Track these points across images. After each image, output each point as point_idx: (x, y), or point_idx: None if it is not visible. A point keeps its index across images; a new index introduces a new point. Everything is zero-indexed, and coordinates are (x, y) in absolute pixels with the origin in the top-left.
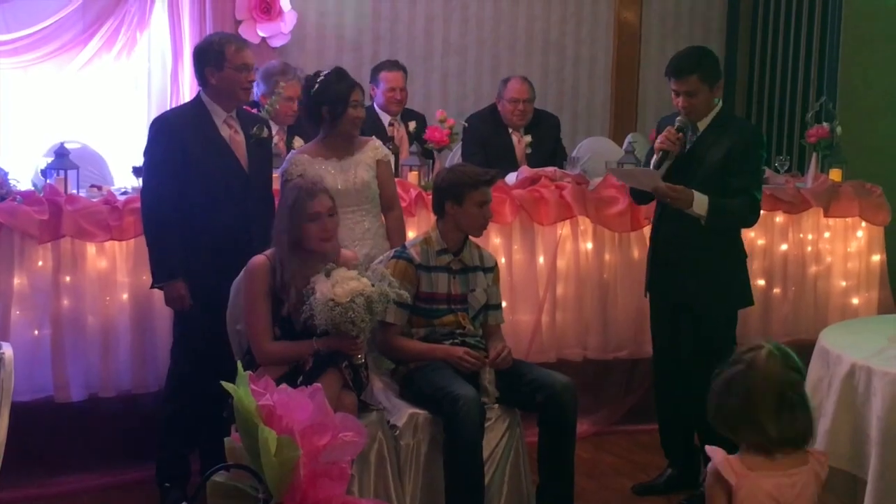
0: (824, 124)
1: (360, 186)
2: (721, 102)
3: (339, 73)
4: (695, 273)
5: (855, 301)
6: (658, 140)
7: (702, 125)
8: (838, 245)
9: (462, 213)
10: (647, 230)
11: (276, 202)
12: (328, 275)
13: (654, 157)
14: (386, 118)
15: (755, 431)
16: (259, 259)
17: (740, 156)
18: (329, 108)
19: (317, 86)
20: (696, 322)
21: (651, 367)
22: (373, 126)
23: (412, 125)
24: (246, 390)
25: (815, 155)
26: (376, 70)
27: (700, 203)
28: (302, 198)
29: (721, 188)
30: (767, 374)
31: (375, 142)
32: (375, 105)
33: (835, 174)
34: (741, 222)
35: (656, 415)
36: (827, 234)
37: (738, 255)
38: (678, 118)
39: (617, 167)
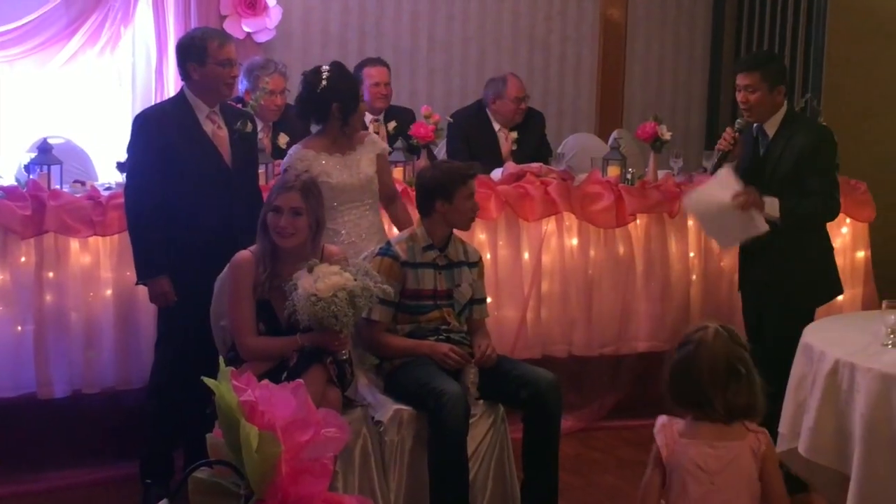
0: None
1: (365, 181)
2: (787, 106)
3: (341, 69)
4: (782, 269)
5: (839, 297)
6: (718, 143)
7: (770, 129)
8: None
9: (453, 209)
10: (632, 227)
11: (262, 198)
12: (311, 270)
13: (714, 159)
14: (369, 117)
15: (704, 406)
16: (243, 254)
17: (812, 156)
18: (341, 104)
19: (324, 82)
20: (781, 315)
21: None
22: None
23: (392, 125)
24: (227, 386)
25: None
26: (358, 68)
27: (771, 205)
28: (275, 189)
29: (797, 190)
30: (715, 351)
31: (373, 136)
32: None
33: None
34: (817, 220)
35: None
36: None
37: (823, 245)
38: (738, 120)
39: (690, 199)
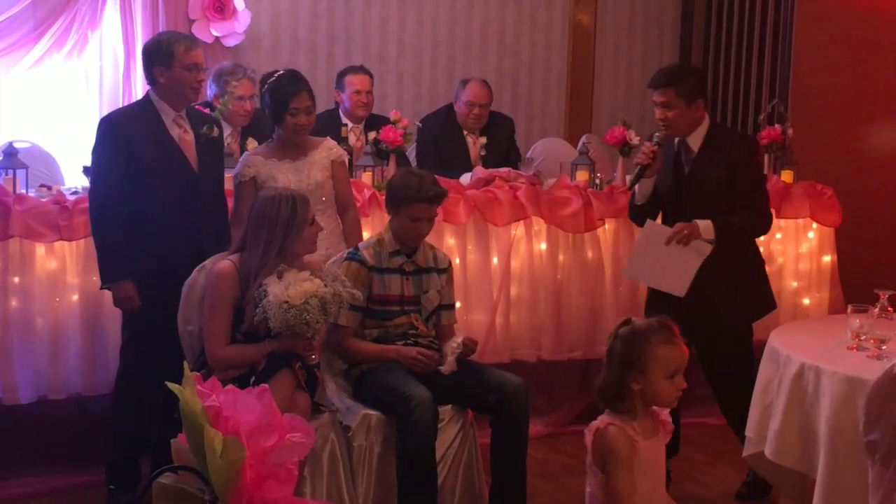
0: (776, 126)
1: (314, 187)
2: (709, 119)
3: (289, 77)
4: (716, 285)
5: (806, 301)
6: (637, 156)
7: (694, 143)
8: (790, 246)
9: (396, 221)
10: (600, 231)
11: (230, 202)
12: (280, 276)
13: (633, 174)
14: (350, 125)
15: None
16: (226, 266)
17: (744, 169)
18: (270, 111)
19: (265, 86)
20: (717, 333)
21: None
22: (332, 131)
23: (372, 135)
24: (192, 391)
25: (767, 156)
26: (341, 75)
27: (706, 229)
28: (300, 206)
29: (729, 203)
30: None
31: (330, 142)
32: (341, 110)
33: (786, 175)
34: (751, 234)
35: None
36: (778, 235)
37: (755, 261)
38: (656, 133)
39: (630, 265)
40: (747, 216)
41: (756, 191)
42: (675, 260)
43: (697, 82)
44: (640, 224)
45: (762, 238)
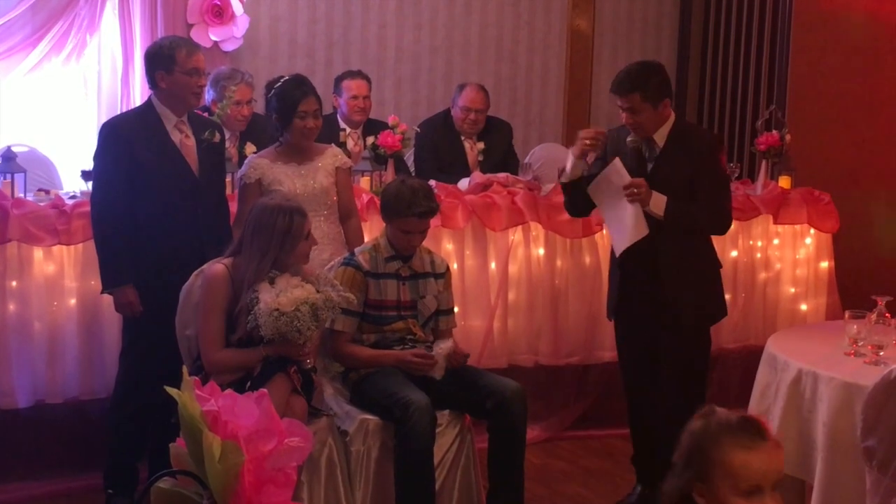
0: (774, 132)
1: (319, 191)
2: (673, 115)
3: (296, 81)
4: (671, 286)
5: (803, 307)
6: (585, 143)
7: (660, 139)
8: (787, 252)
9: (389, 229)
10: (598, 236)
11: (229, 207)
12: (272, 283)
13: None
14: (348, 129)
15: None
16: (218, 269)
17: (708, 162)
18: (277, 115)
19: (273, 90)
20: (674, 337)
21: (624, 390)
22: (331, 136)
23: (371, 140)
24: (190, 395)
25: (764, 162)
26: (339, 80)
27: (657, 202)
28: (297, 220)
29: (691, 200)
30: None
31: (335, 149)
32: (339, 115)
33: (784, 181)
34: (705, 227)
35: (630, 434)
36: (776, 241)
37: (712, 265)
38: (629, 139)
39: (594, 186)
40: (703, 209)
41: (717, 188)
42: (624, 216)
43: (661, 83)
44: (576, 214)
45: (760, 244)
